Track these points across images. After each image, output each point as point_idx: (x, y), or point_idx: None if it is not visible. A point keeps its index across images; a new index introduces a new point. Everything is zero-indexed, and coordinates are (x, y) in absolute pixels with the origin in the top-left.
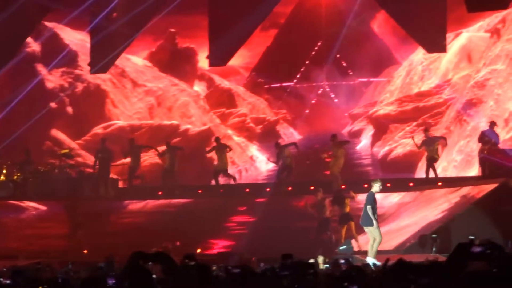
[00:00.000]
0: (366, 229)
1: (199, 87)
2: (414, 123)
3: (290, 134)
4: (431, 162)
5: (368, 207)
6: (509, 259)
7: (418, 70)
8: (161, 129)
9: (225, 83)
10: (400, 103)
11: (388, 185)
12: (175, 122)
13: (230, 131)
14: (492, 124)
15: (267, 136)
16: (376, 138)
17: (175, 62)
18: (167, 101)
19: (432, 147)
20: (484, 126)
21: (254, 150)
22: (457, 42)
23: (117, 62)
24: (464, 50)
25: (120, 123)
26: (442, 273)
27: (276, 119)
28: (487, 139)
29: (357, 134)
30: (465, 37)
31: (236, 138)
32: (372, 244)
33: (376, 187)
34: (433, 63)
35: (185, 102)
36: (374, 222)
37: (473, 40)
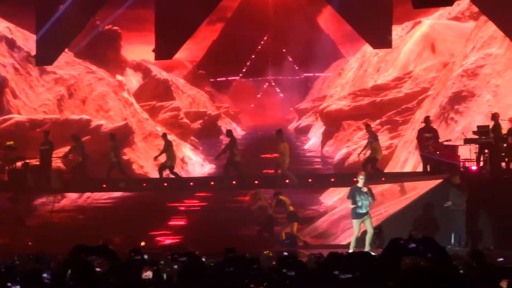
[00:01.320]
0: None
1: (134, 78)
2: (378, 121)
3: (233, 130)
4: (374, 162)
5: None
6: (442, 254)
7: (373, 61)
8: (68, 125)
9: (162, 74)
10: (354, 97)
11: (332, 180)
12: (85, 116)
13: (159, 128)
14: (428, 120)
15: (207, 132)
16: (327, 136)
17: (93, 46)
18: (80, 92)
19: (375, 145)
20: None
21: (187, 150)
22: (418, 30)
23: (21, 42)
24: (427, 39)
25: (18, 117)
26: (373, 267)
27: (217, 113)
28: (428, 135)
29: (304, 130)
30: (427, 25)
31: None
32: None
33: (362, 180)
34: (390, 54)
35: (102, 92)
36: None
37: (437, 29)
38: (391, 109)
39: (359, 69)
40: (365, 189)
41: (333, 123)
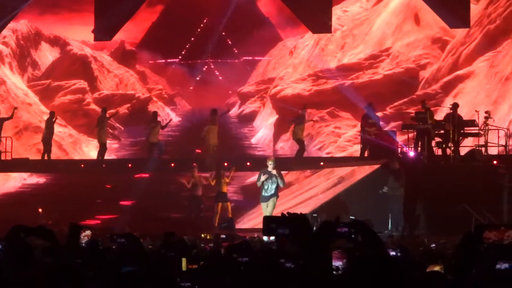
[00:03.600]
0: None
1: (51, 54)
2: (349, 114)
3: (167, 115)
4: (300, 144)
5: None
6: (373, 238)
7: (335, 37)
8: None
9: (85, 50)
10: (315, 79)
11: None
12: None
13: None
14: (371, 104)
15: (135, 118)
16: (280, 128)
17: None
18: None
19: (299, 126)
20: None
21: (91, 149)
22: None
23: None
24: (408, 8)
25: None
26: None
27: (148, 96)
28: (371, 121)
29: (248, 118)
30: None
31: (60, 129)
32: None
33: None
34: (358, 28)
35: None
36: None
37: None
38: (365, 94)
39: (315, 46)
40: (273, 172)
41: (289, 112)
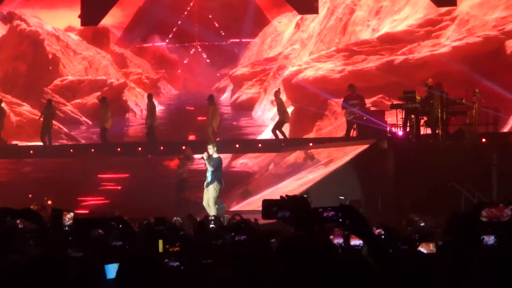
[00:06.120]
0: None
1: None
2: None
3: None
4: (281, 125)
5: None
6: (360, 221)
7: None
8: None
9: (44, 28)
10: (347, 56)
11: (260, 145)
12: None
13: None
14: (353, 87)
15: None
16: (298, 125)
17: None
18: None
19: (283, 110)
20: None
21: None
22: None
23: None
24: None
25: None
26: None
27: (123, 82)
28: (354, 102)
29: (246, 107)
30: None
31: None
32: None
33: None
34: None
35: None
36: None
37: None
38: (428, 75)
39: (329, 16)
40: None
41: (313, 102)
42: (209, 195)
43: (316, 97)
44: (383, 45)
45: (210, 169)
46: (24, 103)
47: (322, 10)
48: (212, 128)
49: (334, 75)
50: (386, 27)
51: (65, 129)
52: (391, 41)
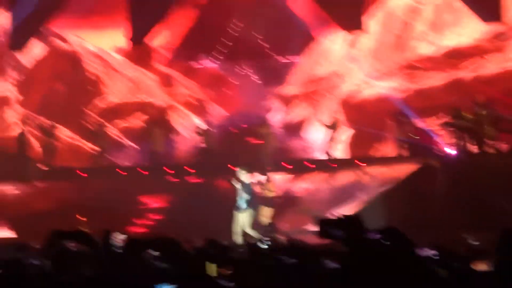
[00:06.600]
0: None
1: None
2: None
3: (194, 127)
4: (332, 141)
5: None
6: (406, 245)
7: (423, 12)
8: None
9: (82, 45)
10: (409, 74)
11: (310, 165)
12: None
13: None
14: (402, 105)
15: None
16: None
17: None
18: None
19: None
20: None
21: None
22: None
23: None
24: None
25: None
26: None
27: (169, 104)
28: (404, 120)
29: (297, 127)
30: None
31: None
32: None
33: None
34: None
35: None
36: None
37: None
38: (496, 92)
39: (384, 32)
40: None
41: (373, 123)
42: (245, 222)
43: (377, 118)
44: (448, 61)
45: (243, 196)
46: (61, 126)
47: (377, 25)
48: (268, 150)
49: (397, 94)
50: (449, 41)
51: (106, 154)
52: (457, 56)
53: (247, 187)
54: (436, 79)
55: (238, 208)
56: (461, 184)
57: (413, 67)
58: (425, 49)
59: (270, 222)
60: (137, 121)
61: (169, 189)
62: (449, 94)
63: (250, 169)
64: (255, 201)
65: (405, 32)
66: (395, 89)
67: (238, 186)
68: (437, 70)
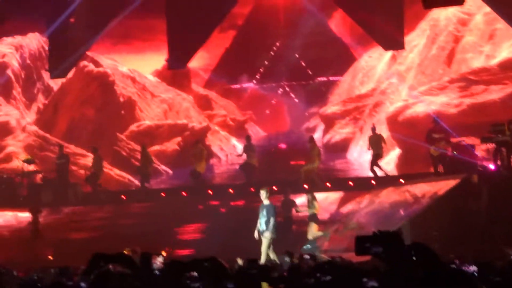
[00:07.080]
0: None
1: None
2: None
3: (232, 147)
4: (376, 158)
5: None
6: (433, 260)
7: (475, 23)
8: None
9: (118, 69)
10: (463, 88)
11: (351, 183)
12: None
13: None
14: (435, 120)
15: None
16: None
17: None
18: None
19: (378, 145)
20: None
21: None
22: None
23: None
24: None
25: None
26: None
27: (205, 125)
28: (438, 136)
29: (340, 147)
30: None
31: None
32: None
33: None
34: None
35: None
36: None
37: None
38: None
39: (430, 45)
40: (265, 203)
41: (422, 143)
42: (264, 243)
43: (423, 134)
44: (506, 73)
45: (262, 217)
46: (89, 154)
47: (422, 39)
48: (313, 169)
49: (450, 110)
50: (505, 52)
51: (136, 182)
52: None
53: (266, 208)
54: (494, 93)
55: (259, 230)
56: (501, 199)
57: (467, 80)
58: (477, 61)
59: (314, 239)
60: (173, 144)
61: (209, 210)
62: (508, 108)
63: (270, 190)
64: (275, 223)
65: (451, 44)
66: (448, 104)
67: (261, 207)
68: (495, 83)
